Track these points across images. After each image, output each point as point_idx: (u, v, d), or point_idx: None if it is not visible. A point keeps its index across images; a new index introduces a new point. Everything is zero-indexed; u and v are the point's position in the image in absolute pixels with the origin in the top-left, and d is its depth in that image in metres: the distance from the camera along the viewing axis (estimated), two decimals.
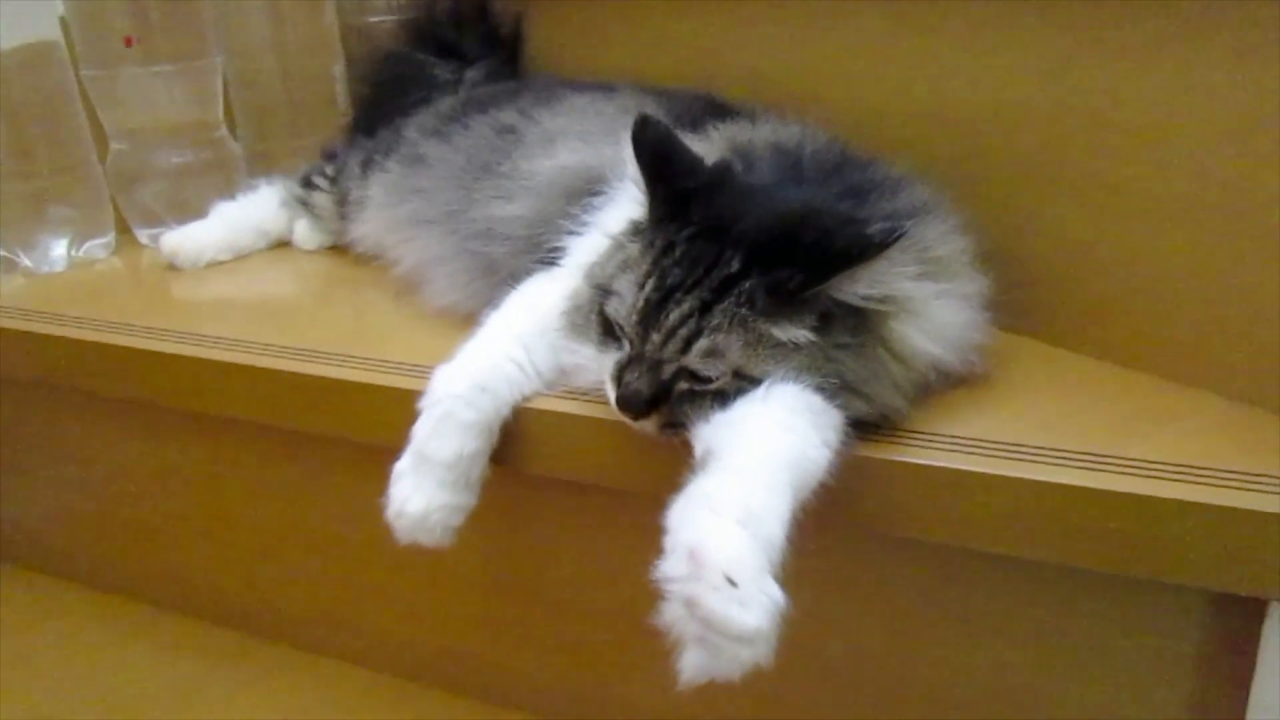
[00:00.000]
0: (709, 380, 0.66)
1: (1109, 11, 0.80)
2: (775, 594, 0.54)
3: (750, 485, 0.57)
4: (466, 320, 0.96)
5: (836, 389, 0.65)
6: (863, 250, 0.63)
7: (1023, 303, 0.83)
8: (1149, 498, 0.62)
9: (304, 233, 1.27)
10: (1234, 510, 0.61)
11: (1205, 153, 0.75)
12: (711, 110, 0.94)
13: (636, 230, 0.73)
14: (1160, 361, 0.81)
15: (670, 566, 0.54)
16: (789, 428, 0.61)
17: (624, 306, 0.69)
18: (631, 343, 0.69)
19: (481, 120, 1.06)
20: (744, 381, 0.65)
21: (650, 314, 0.67)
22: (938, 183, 0.80)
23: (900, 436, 0.71)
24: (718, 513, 0.56)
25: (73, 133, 1.25)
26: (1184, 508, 0.62)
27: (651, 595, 0.80)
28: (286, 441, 0.97)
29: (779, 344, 0.65)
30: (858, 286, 0.65)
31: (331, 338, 0.96)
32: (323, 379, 0.88)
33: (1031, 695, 0.74)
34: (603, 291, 0.72)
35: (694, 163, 0.72)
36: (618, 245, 0.74)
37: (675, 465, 0.65)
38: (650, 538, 0.83)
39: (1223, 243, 0.75)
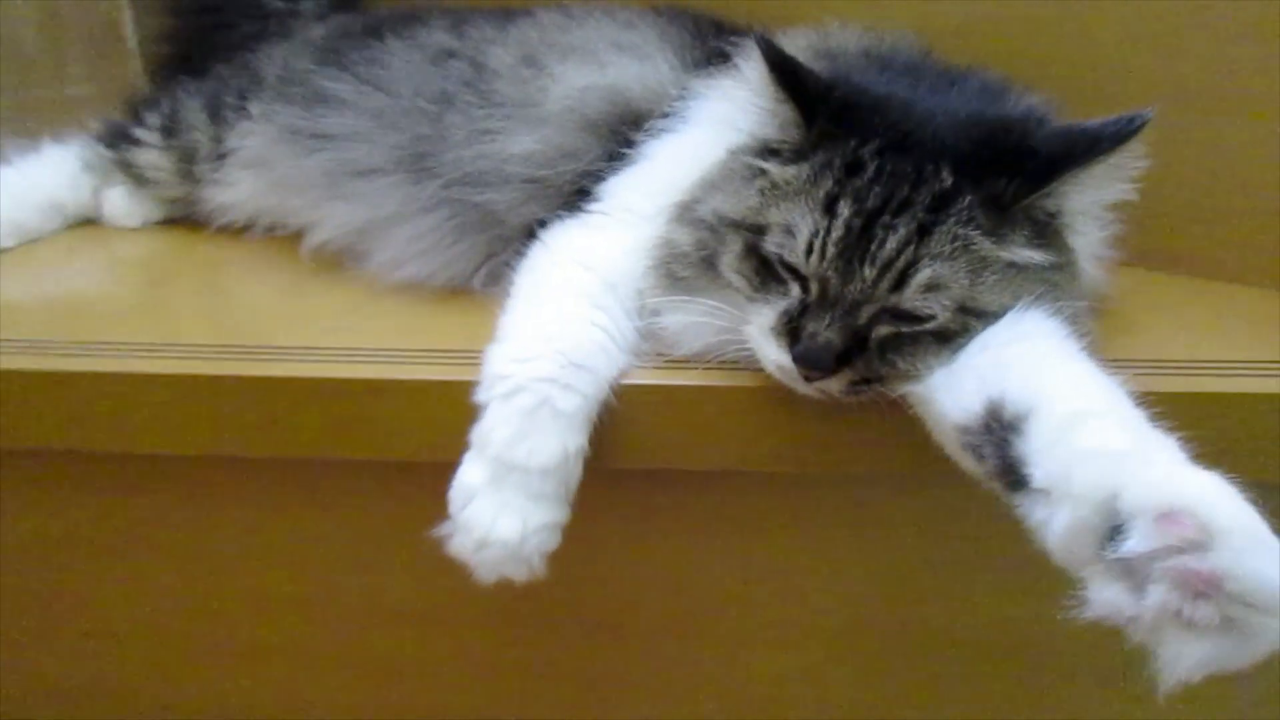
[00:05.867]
0: (924, 320, 0.55)
1: None
2: None
3: (1142, 427, 0.47)
4: (440, 295, 0.77)
5: (1067, 317, 0.56)
6: (1092, 146, 0.55)
7: None
8: None
9: (121, 205, 0.96)
10: None
11: None
12: (719, 28, 0.81)
13: (768, 151, 0.60)
14: None
15: (1145, 541, 0.41)
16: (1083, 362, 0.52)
17: (801, 241, 0.56)
18: (814, 285, 0.56)
19: (399, 47, 0.85)
20: (970, 317, 0.55)
21: (854, 245, 0.54)
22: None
23: None
24: (1168, 464, 0.44)
25: None
26: None
27: (746, 598, 0.65)
28: (165, 472, 0.71)
29: (1008, 266, 0.55)
30: (1084, 192, 0.57)
31: (222, 331, 0.74)
32: (242, 379, 0.65)
33: None
34: (749, 229, 0.58)
35: (816, 76, 0.60)
36: (749, 172, 0.60)
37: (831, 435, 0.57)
38: (753, 527, 0.69)
39: None
